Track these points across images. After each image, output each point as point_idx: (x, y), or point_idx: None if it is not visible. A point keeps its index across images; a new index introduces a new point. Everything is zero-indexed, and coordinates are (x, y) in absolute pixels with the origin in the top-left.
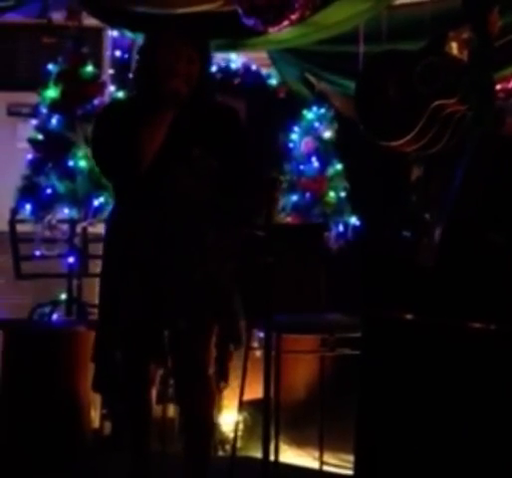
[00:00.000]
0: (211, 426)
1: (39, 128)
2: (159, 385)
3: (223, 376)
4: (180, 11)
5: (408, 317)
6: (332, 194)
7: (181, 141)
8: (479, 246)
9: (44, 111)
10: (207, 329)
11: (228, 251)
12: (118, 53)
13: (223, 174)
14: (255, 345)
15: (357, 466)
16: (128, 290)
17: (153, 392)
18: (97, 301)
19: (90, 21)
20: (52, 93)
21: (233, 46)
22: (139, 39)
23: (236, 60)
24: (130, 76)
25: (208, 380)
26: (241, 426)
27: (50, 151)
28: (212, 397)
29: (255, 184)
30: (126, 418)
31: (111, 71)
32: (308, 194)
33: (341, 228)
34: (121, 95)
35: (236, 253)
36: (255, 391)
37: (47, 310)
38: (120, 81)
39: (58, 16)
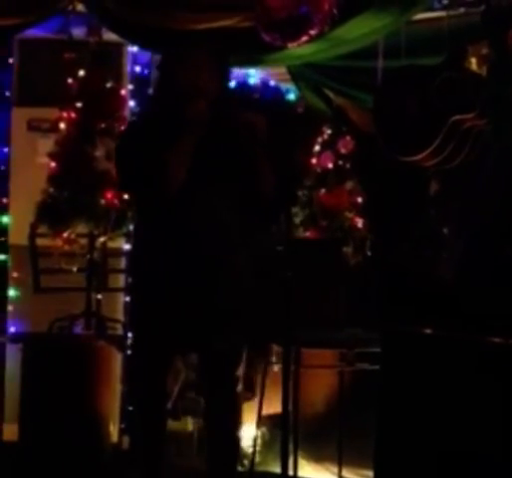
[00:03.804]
0: (238, 443)
1: (59, 143)
2: (176, 399)
3: (250, 388)
4: (199, 27)
5: (428, 331)
6: (350, 209)
7: (206, 162)
8: (498, 260)
9: (64, 126)
10: (240, 349)
11: (253, 269)
12: (137, 68)
13: (248, 189)
14: (274, 359)
15: None
16: (159, 312)
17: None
18: (116, 315)
19: (110, 36)
20: (72, 108)
21: (252, 61)
22: (159, 55)
23: (255, 75)
24: (150, 91)
25: (237, 398)
26: (260, 441)
27: (70, 166)
28: (240, 415)
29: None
30: (138, 431)
31: (130, 86)
32: (326, 209)
33: (359, 243)
34: (139, 110)
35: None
36: (274, 406)
37: (66, 324)
38: (139, 96)
39: (78, 32)
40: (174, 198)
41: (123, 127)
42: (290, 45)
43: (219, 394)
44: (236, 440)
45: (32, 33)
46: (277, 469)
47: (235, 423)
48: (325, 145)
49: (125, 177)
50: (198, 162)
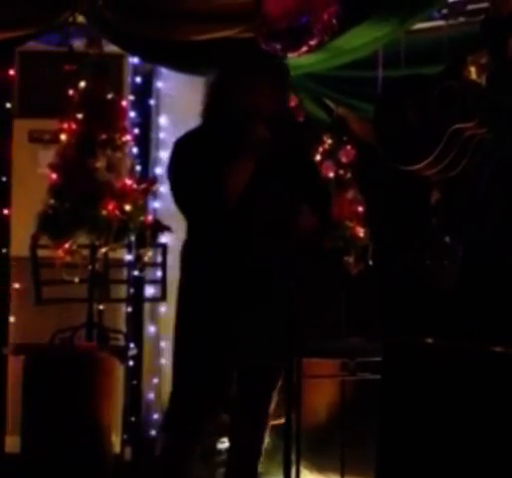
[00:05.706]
0: (259, 459)
1: (60, 155)
2: None
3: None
4: (200, 38)
5: (429, 341)
6: (351, 218)
7: (262, 177)
8: (499, 269)
9: (65, 137)
10: (282, 367)
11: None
12: (138, 79)
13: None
14: None
15: None
16: (209, 329)
17: None
18: (118, 326)
19: (110, 48)
20: (73, 119)
21: None
22: (157, 66)
23: None
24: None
25: (269, 419)
26: (262, 451)
27: (71, 177)
28: (266, 432)
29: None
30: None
31: (131, 97)
32: None
33: (360, 252)
34: (141, 120)
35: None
36: (276, 416)
37: (68, 335)
38: (140, 107)
39: (79, 43)
40: (230, 217)
41: (176, 143)
42: (290, 55)
43: (254, 413)
44: (259, 456)
45: (33, 45)
46: None
47: (261, 443)
48: (326, 155)
49: (180, 192)
50: (257, 181)
